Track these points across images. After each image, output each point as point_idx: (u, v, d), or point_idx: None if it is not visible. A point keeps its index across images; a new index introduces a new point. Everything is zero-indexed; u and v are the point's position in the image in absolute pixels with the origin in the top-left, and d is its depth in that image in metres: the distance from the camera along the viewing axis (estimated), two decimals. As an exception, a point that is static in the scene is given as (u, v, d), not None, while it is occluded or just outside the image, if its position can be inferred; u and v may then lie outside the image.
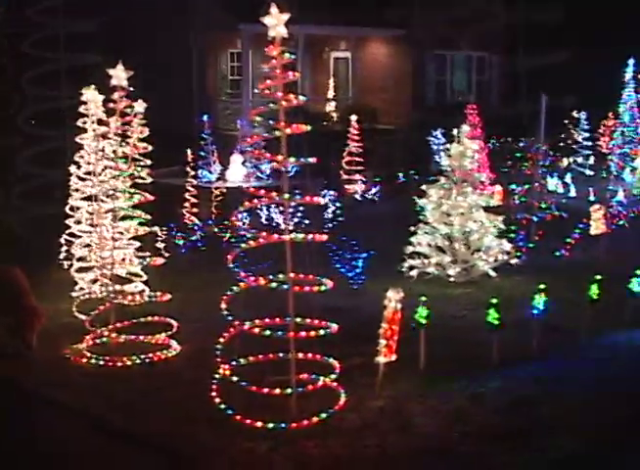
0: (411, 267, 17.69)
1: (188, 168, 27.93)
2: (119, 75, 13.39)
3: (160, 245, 22.16)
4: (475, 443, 9.83)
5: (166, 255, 21.56)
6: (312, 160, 10.34)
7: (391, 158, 32.64)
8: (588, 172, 32.16)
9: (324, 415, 10.07)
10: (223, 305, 10.52)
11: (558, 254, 20.53)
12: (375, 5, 37.45)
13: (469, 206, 17.42)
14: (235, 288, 10.53)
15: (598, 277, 13.27)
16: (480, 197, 17.70)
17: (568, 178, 29.20)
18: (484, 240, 17.64)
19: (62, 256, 17.77)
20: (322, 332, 10.28)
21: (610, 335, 13.53)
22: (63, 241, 17.36)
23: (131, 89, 13.75)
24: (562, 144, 35.25)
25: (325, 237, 10.26)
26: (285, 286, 10.14)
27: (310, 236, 10.05)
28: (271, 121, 10.34)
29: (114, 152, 14.65)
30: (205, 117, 30.72)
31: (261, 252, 15.41)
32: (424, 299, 11.86)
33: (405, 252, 17.75)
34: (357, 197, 28.55)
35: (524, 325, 13.17)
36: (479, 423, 10.22)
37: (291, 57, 10.07)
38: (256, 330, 10.30)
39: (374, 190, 29.11)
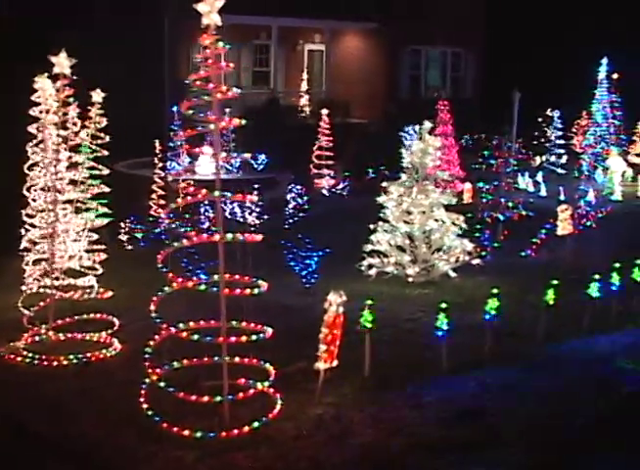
0: (370, 266, 17.22)
1: (156, 160, 27.43)
2: (62, 63, 12.79)
3: (124, 237, 21.71)
4: (415, 455, 9.35)
5: (129, 247, 21.11)
6: (247, 155, 9.78)
7: (362, 153, 32.12)
8: (560, 171, 31.77)
9: (256, 424, 9.55)
10: (152, 307, 9.98)
11: (524, 254, 20.13)
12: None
13: (430, 204, 16.94)
14: (167, 288, 9.96)
15: (555, 282, 12.82)
16: (441, 195, 17.23)
17: (539, 177, 28.77)
18: (445, 239, 17.17)
19: (21, 246, 17.15)
20: (254, 337, 9.73)
21: (566, 341, 13.07)
22: (23, 231, 16.74)
23: (75, 78, 13.15)
24: (535, 142, 34.87)
25: (259, 237, 9.74)
26: (214, 288, 9.59)
27: (242, 236, 9.53)
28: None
29: (59, 144, 14.03)
30: (174, 108, 30.16)
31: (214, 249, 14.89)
32: (370, 302, 11.34)
33: (365, 250, 17.28)
34: (324, 192, 28.02)
35: (479, 329, 12.70)
36: (421, 434, 9.72)
37: (226, 46, 9.48)
38: (184, 334, 9.75)
39: (343, 185, 28.62)
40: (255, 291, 9.61)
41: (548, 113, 33.98)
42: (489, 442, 9.59)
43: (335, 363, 10.36)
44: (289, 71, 39.62)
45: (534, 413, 10.37)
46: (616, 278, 13.92)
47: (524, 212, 22.70)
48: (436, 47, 39.26)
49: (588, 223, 22.50)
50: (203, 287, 9.63)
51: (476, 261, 17.39)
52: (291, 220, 22.36)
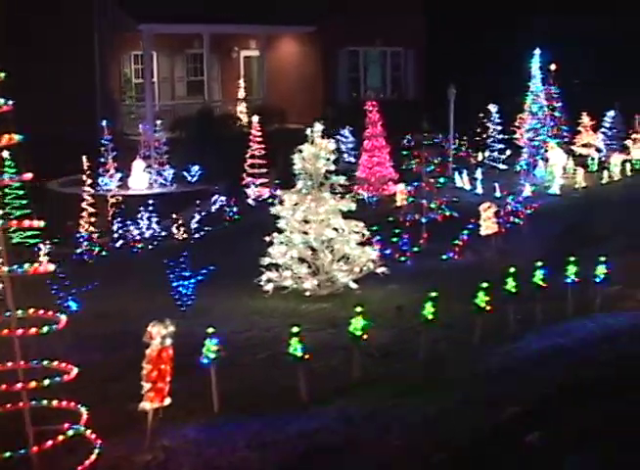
0: (269, 281, 16.07)
1: (84, 177, 26.52)
2: None
3: (43, 259, 20.64)
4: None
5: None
6: (28, 176, 8.54)
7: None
8: (502, 167, 30.71)
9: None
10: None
11: (445, 257, 19.07)
12: (285, 1, 35.83)
13: (326, 212, 15.76)
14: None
15: (434, 294, 11.62)
16: (339, 202, 16.07)
17: (478, 174, 27.66)
18: (346, 248, 16.01)
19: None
20: (52, 381, 8.46)
21: (452, 357, 11.85)
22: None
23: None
24: (478, 138, 33.78)
25: (51, 267, 8.55)
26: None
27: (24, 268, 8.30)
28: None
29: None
30: (104, 123, 29.20)
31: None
32: (211, 330, 10.14)
33: (262, 263, 16.12)
34: (250, 202, 26.86)
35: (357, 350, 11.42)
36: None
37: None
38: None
39: (274, 193, 27.47)
40: (45, 329, 8.37)
41: (489, 107, 32.97)
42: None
43: (167, 402, 9.17)
44: (225, 80, 38.51)
45: (398, 447, 9.14)
46: (511, 284, 12.78)
47: (447, 213, 21.60)
48: (375, 47, 38.11)
49: (517, 221, 21.42)
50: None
51: (380, 270, 16.24)
52: (195, 236, 21.27)
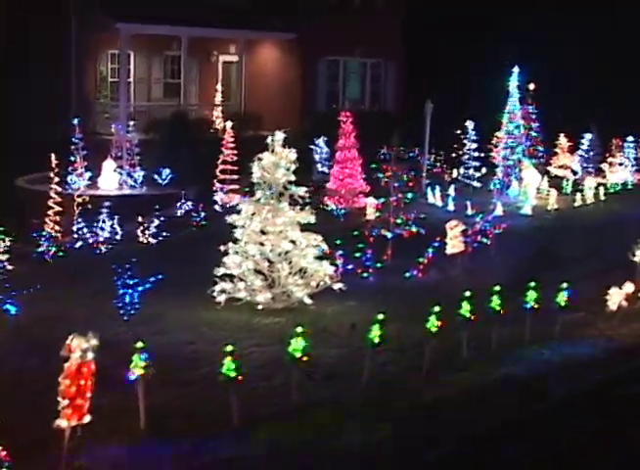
0: (222, 291, 15.52)
1: (52, 174, 25.94)
2: None
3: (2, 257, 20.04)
4: None
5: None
6: None
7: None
8: (476, 185, 30.31)
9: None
10: None
11: (408, 275, 18.58)
12: (265, 7, 35.40)
13: (283, 223, 15.25)
14: None
15: (380, 317, 11.11)
16: (298, 213, 15.54)
17: (451, 190, 27.22)
18: (302, 262, 15.50)
19: None
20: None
21: (398, 384, 11.30)
22: None
23: None
24: (453, 155, 33.40)
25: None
26: None
27: None
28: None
29: None
30: (75, 121, 28.61)
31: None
32: (140, 345, 9.60)
33: (216, 274, 15.57)
34: (217, 208, 26.33)
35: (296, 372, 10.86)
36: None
37: None
38: None
39: (241, 200, 26.93)
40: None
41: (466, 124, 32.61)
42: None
43: (86, 419, 8.63)
44: (203, 83, 37.95)
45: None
46: (466, 308, 12.29)
47: (414, 229, 21.13)
48: (355, 58, 37.69)
49: (484, 240, 20.96)
50: None
51: (337, 286, 15.75)
52: (158, 240, 20.78)
